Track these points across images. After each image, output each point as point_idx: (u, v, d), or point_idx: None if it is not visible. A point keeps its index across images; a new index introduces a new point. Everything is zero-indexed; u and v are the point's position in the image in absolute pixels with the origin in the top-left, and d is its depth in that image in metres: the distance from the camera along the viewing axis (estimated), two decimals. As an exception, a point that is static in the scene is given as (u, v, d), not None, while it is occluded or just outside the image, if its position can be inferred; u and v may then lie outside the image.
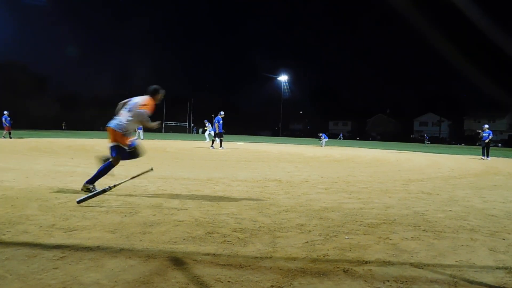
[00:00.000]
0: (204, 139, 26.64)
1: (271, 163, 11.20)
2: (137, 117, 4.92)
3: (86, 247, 2.76)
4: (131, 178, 4.06)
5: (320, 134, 27.98)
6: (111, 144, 4.92)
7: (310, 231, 3.47)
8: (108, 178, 5.30)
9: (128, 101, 5.15)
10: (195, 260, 2.58)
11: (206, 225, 3.53)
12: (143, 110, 4.95)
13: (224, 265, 2.52)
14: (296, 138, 49.33)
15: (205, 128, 26.86)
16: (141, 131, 27.12)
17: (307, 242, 3.12)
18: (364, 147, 27.70)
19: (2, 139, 20.07)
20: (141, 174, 4.37)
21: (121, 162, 4.99)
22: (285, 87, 73.35)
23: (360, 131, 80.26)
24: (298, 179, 7.21)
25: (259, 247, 2.93)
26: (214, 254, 2.72)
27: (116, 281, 2.18)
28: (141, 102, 5.01)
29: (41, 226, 3.29)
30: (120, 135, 4.87)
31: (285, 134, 68.40)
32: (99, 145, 18.27)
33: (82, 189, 4.90)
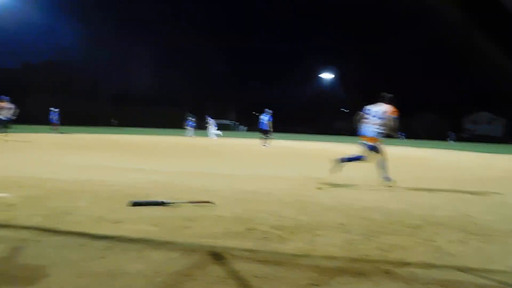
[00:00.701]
0: (208, 136, 26.87)
1: (313, 161, 11.11)
2: (389, 121, 5.88)
3: (131, 239, 2.89)
4: (189, 202, 4.09)
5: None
6: (369, 144, 6.00)
7: (350, 230, 3.41)
8: (167, 195, 5.47)
9: (369, 110, 6.08)
10: (234, 255, 2.62)
11: (246, 222, 3.57)
12: (394, 115, 5.90)
13: (262, 261, 2.54)
14: (340, 137, 48.49)
15: (207, 126, 27.04)
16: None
17: (347, 241, 3.07)
18: (409, 146, 26.72)
19: (53, 134, 21.38)
20: (201, 202, 4.28)
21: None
22: (330, 85, 72.33)
23: (404, 129, 77.39)
24: (340, 178, 7.10)
25: (298, 244, 2.93)
26: (253, 250, 2.75)
27: (158, 273, 2.27)
28: (389, 110, 5.93)
29: (90, 217, 3.48)
30: (375, 139, 5.92)
31: (328, 133, 67.42)
32: (146, 141, 18.95)
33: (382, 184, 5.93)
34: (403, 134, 58.90)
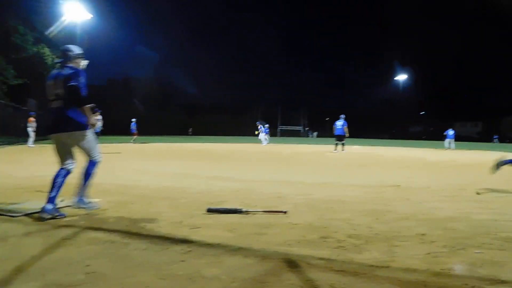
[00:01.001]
0: (260, 142, 26.74)
1: (388, 167, 10.64)
2: None
3: (208, 244, 2.99)
4: (263, 211, 4.16)
5: (445, 133, 25.11)
6: None
7: (432, 241, 3.19)
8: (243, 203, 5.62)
9: None
10: (309, 264, 2.59)
11: (320, 230, 3.52)
12: None
13: (339, 271, 2.49)
14: (416, 141, 45.84)
15: (257, 132, 26.77)
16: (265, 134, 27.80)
17: (429, 253, 2.88)
18: (503, 150, 24.40)
19: (132, 144, 23.01)
20: (274, 212, 4.31)
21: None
22: (404, 87, 68.99)
23: (492, 132, 70.82)
24: (418, 185, 6.71)
25: (375, 255, 2.81)
26: (328, 259, 2.70)
27: (234, 278, 2.32)
28: None
29: (171, 222, 3.67)
30: None
31: (403, 137, 64.05)
32: (219, 150, 19.58)
33: None
34: (496, 137, 55.43)
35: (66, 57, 4.06)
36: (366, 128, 73.50)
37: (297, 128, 76.35)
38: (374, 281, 2.32)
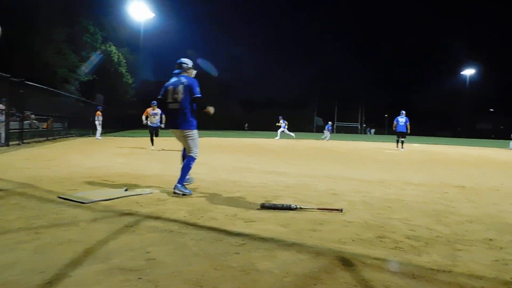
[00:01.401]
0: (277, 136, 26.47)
1: (451, 166, 10.05)
2: None
3: (262, 238, 3.02)
4: (317, 209, 4.11)
5: None
6: None
7: (501, 248, 2.97)
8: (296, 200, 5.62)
9: None
10: (364, 263, 2.52)
11: (376, 229, 3.42)
12: None
13: (395, 272, 2.40)
14: (484, 140, 42.82)
15: (279, 125, 26.31)
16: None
17: (497, 260, 2.68)
18: None
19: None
20: (329, 209, 4.23)
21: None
22: (471, 83, 64.67)
23: None
24: (486, 187, 6.27)
25: (435, 258, 2.68)
26: (384, 260, 2.61)
27: (287, 273, 2.32)
28: None
29: (226, 215, 3.76)
30: None
31: (469, 135, 59.97)
32: (274, 145, 19.64)
33: None
34: None
35: (181, 68, 5.06)
36: (427, 125, 69.91)
37: (354, 124, 74.40)
38: (434, 285, 2.21)
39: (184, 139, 4.96)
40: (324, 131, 29.33)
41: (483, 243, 3.07)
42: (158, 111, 13.14)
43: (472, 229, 3.51)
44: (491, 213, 4.21)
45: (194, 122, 4.93)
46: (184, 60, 5.11)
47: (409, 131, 16.79)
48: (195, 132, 4.95)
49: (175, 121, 4.89)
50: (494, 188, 6.15)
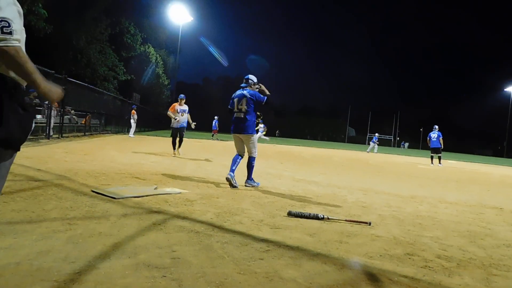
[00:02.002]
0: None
1: (490, 186, 9.62)
2: None
3: (287, 245, 3.00)
4: (345, 220, 4.03)
5: None
6: None
7: (540, 276, 2.80)
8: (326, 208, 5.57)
9: None
10: (391, 280, 2.45)
11: (405, 245, 3.31)
12: None
13: (424, 292, 2.31)
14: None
15: (257, 128, 23.77)
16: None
17: (535, 288, 2.53)
18: None
19: (214, 141, 23.91)
20: (357, 222, 4.11)
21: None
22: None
23: None
24: (527, 210, 5.95)
25: (467, 281, 2.56)
26: (412, 278, 2.52)
27: (311, 283, 2.29)
28: None
29: (252, 220, 3.76)
30: None
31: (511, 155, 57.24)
32: (305, 153, 19.51)
33: None
34: None
35: (247, 83, 6.13)
36: (466, 142, 67.39)
37: (388, 137, 72.66)
38: (465, 309, 2.12)
39: (246, 143, 6.01)
40: (371, 142, 28.31)
41: (521, 270, 2.91)
42: (186, 107, 11.07)
43: (510, 254, 3.33)
44: (530, 238, 3.98)
45: (254, 128, 6.09)
46: (250, 76, 6.17)
47: (442, 146, 16.44)
48: (255, 136, 6.09)
49: (240, 127, 5.94)
50: (535, 212, 5.83)
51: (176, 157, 10.25)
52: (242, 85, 6.12)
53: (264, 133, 26.29)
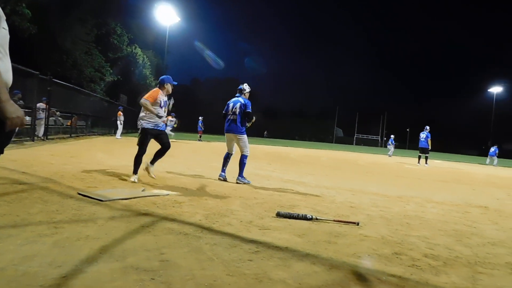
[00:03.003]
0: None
1: (475, 186, 9.78)
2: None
3: (277, 246, 3.00)
4: (334, 220, 4.04)
5: None
6: None
7: (525, 273, 2.86)
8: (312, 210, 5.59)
9: None
10: (379, 279, 2.47)
11: (393, 245, 3.35)
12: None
13: (412, 291, 2.34)
14: (511, 160, 41.57)
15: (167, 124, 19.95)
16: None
17: (520, 286, 2.58)
18: None
19: (201, 142, 23.80)
20: (346, 222, 4.14)
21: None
22: (498, 101, 63.02)
23: None
24: (511, 209, 6.07)
25: (454, 279, 2.59)
26: (400, 277, 2.55)
27: (300, 284, 2.29)
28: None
29: (241, 221, 3.75)
30: None
31: (497, 155, 58.16)
32: (294, 154, 19.56)
33: None
34: None
35: (241, 92, 6.83)
36: (451, 142, 68.34)
37: (374, 137, 73.27)
38: (452, 307, 2.14)
39: (238, 141, 6.62)
40: (388, 145, 27.35)
41: (506, 268, 2.96)
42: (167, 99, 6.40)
43: (495, 252, 3.40)
44: (514, 236, 4.06)
45: (244, 129, 6.66)
46: (243, 86, 6.86)
47: (429, 146, 16.76)
48: (245, 136, 6.64)
49: (233, 127, 6.59)
50: (519, 210, 5.95)
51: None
52: (237, 94, 6.82)
53: (175, 126, 22.88)
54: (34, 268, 2.19)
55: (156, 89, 6.01)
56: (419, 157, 17.37)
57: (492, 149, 25.52)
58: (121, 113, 20.86)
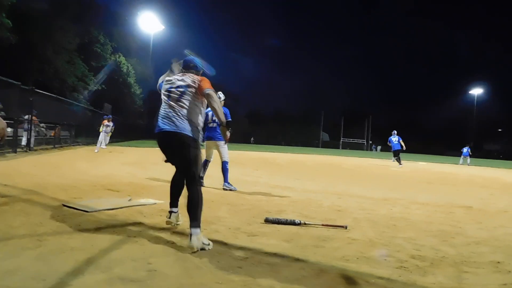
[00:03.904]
0: None
1: (458, 186, 9.95)
2: None
3: (265, 253, 2.99)
4: (322, 225, 4.04)
5: None
6: None
7: (509, 271, 2.90)
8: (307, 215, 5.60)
9: None
10: (368, 282, 2.48)
11: (380, 247, 3.37)
12: None
13: (399, 292, 2.35)
14: (492, 160, 42.47)
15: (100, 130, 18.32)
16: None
17: (505, 284, 2.62)
18: None
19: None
20: (333, 226, 4.15)
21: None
22: (479, 102, 64.48)
23: None
24: (494, 208, 6.18)
25: (440, 279, 2.62)
26: (388, 279, 2.57)
27: (289, 289, 2.29)
28: None
29: (229, 228, 3.73)
30: None
31: (478, 156, 59.18)
32: (280, 159, 19.60)
33: None
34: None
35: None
36: (433, 144, 69.45)
37: (360, 141, 73.95)
38: (439, 307, 2.17)
39: (218, 148, 6.77)
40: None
41: (491, 266, 3.01)
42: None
43: (479, 251, 3.45)
44: (498, 236, 4.13)
45: (223, 137, 6.27)
46: (219, 94, 6.40)
47: (404, 147, 17.52)
48: (223, 143, 6.58)
49: (213, 135, 6.73)
50: (502, 210, 6.06)
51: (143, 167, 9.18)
52: None
53: (109, 134, 19.81)
54: (17, 282, 2.14)
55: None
56: (396, 159, 18.05)
57: (465, 150, 26.05)
58: (109, 121, 20.58)
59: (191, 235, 3.01)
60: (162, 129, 3.36)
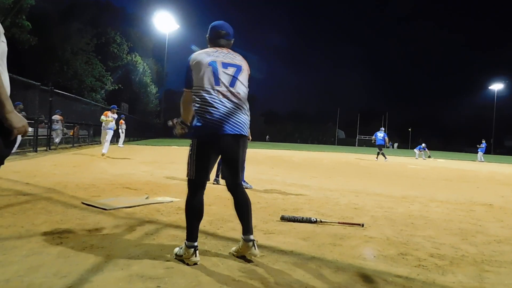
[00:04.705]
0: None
1: (479, 184, 9.74)
2: None
3: (282, 251, 2.99)
4: (338, 223, 4.02)
5: None
6: None
7: (532, 270, 2.84)
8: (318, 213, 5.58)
9: None
10: (386, 281, 2.46)
11: (398, 245, 3.33)
12: None
13: (419, 291, 2.32)
14: (514, 157, 41.41)
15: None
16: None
17: (527, 283, 2.56)
18: None
19: None
20: (350, 224, 4.12)
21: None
22: (499, 97, 62.98)
23: None
24: (516, 206, 6.04)
25: (461, 278, 2.58)
26: (407, 278, 2.53)
27: (306, 287, 2.28)
28: None
29: (245, 226, 3.74)
30: None
31: (498, 152, 57.76)
32: (296, 157, 19.55)
33: None
34: None
35: None
36: (452, 140, 68.20)
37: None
38: (460, 307, 2.13)
39: None
40: (416, 150, 26.59)
41: (513, 265, 2.94)
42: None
43: (501, 250, 3.38)
44: (520, 234, 4.03)
45: None
46: None
47: (387, 144, 19.70)
48: None
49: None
50: (524, 207, 5.92)
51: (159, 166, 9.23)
52: None
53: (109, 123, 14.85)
54: (40, 279, 2.19)
55: None
56: (378, 154, 19.53)
57: (482, 145, 26.21)
58: (123, 122, 20.90)
59: (254, 242, 2.65)
60: (230, 132, 2.63)
